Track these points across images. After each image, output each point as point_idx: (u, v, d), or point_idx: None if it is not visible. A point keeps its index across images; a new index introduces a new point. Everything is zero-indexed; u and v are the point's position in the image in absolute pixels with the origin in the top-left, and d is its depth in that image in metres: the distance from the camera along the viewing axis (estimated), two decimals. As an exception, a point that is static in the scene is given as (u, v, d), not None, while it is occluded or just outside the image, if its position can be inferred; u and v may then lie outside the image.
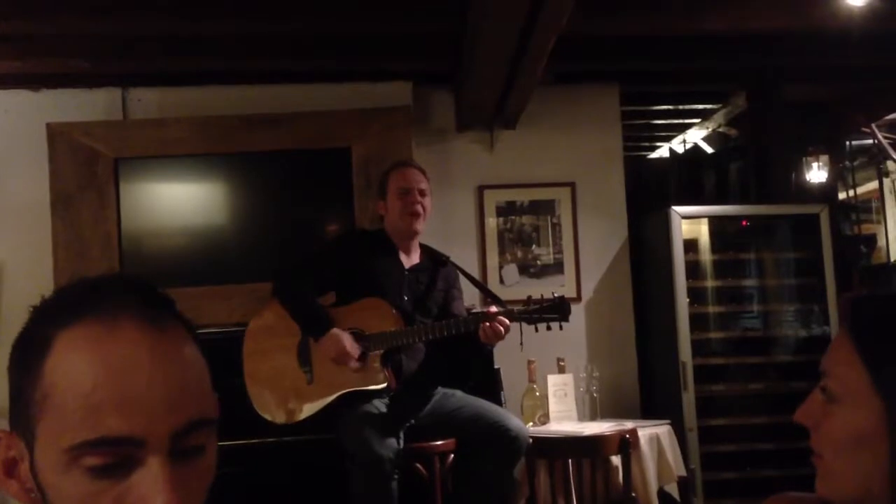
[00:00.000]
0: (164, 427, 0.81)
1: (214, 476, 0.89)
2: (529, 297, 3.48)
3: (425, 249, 3.75)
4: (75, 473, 0.80)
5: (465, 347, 3.53)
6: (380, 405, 3.38)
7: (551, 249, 5.05)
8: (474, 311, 4.01)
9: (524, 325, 3.40)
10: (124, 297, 0.86)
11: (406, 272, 3.62)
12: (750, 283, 5.17)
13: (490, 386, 4.15)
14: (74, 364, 0.81)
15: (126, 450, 0.80)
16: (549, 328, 3.40)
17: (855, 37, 4.05)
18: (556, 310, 3.40)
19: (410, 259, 3.67)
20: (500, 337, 3.34)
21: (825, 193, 6.39)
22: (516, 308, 3.41)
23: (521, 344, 3.45)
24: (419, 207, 3.59)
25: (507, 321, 3.33)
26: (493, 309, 3.38)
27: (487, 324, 3.31)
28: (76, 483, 0.80)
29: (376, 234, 3.70)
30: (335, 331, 3.39)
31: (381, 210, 3.71)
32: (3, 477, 0.86)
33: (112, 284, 0.88)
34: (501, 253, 5.02)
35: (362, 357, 3.42)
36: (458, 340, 3.42)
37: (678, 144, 6.84)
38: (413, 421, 3.48)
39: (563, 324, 3.41)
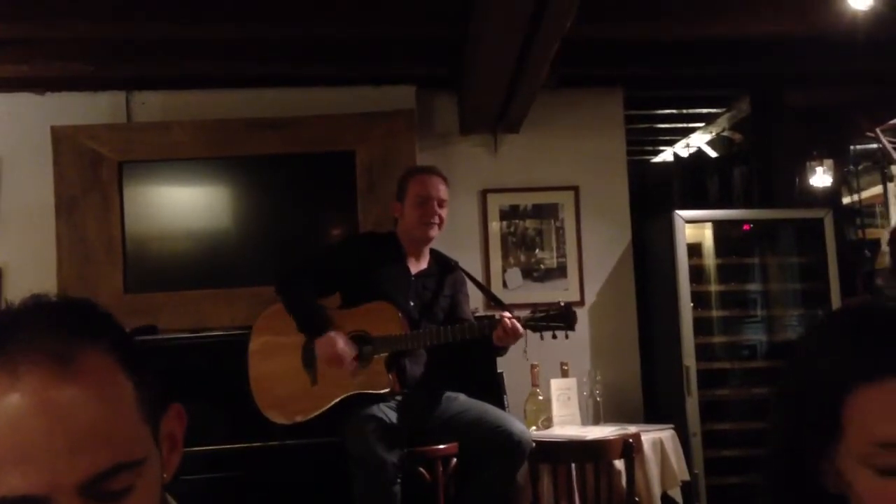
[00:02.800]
0: (70, 480, 0.75)
1: None
2: (536, 306, 3.49)
3: (434, 254, 3.74)
4: None
5: (473, 352, 3.53)
6: (384, 409, 3.37)
7: (555, 253, 5.05)
8: (478, 315, 4.01)
9: (529, 332, 3.41)
10: (30, 334, 0.79)
11: (413, 278, 3.62)
12: (753, 287, 5.17)
13: (493, 390, 4.14)
14: None
15: None
16: (554, 336, 3.41)
17: (859, 41, 4.04)
18: (563, 318, 3.40)
19: (418, 264, 3.66)
20: (517, 335, 3.34)
21: (829, 198, 6.38)
22: (522, 316, 3.41)
23: (525, 352, 3.46)
24: (436, 218, 3.57)
25: (518, 325, 3.34)
26: (506, 314, 3.38)
27: (508, 322, 3.31)
28: None
29: (385, 238, 3.69)
30: (331, 332, 3.39)
31: (396, 212, 3.69)
32: None
33: (19, 319, 0.81)
34: (505, 257, 5.02)
35: (362, 359, 3.42)
36: (467, 344, 3.43)
37: (682, 148, 6.83)
38: (417, 425, 3.48)
39: (569, 332, 3.43)
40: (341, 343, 3.38)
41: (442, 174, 3.72)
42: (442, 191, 3.62)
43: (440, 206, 3.59)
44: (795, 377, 1.05)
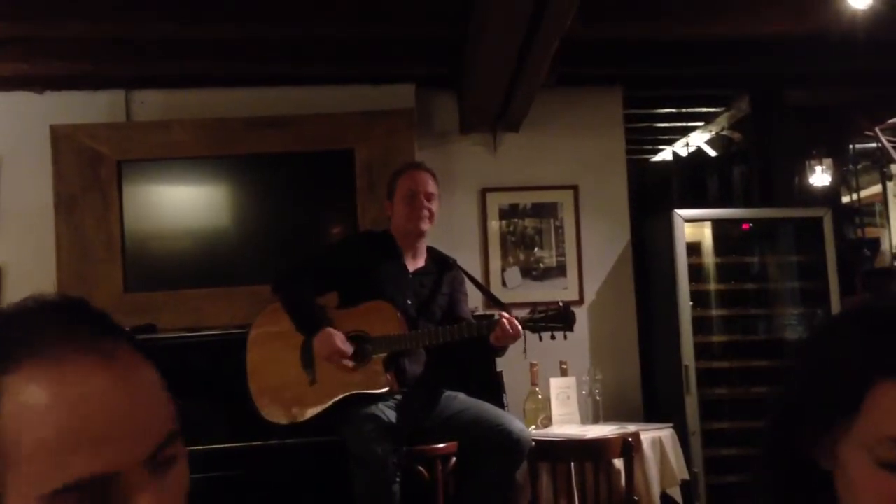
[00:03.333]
0: (138, 454, 0.80)
1: (190, 481, 0.87)
2: (535, 306, 3.49)
3: (431, 252, 3.74)
4: None
5: (472, 351, 3.53)
6: (383, 408, 3.37)
7: (554, 252, 5.05)
8: (477, 314, 4.01)
9: (528, 333, 3.41)
10: (70, 328, 0.83)
11: (410, 276, 3.62)
12: (753, 286, 5.17)
13: (492, 389, 4.14)
14: (35, 411, 0.79)
15: (102, 487, 0.78)
16: (553, 337, 3.41)
17: (858, 41, 4.05)
18: (561, 319, 3.40)
19: (416, 262, 3.66)
20: (516, 336, 3.34)
21: (828, 197, 6.38)
22: (521, 316, 3.41)
23: (525, 352, 3.46)
24: (425, 212, 3.59)
25: (518, 325, 3.34)
26: (505, 315, 3.38)
27: (507, 323, 3.32)
28: None
29: (382, 237, 3.70)
30: (327, 330, 3.39)
31: (388, 211, 3.72)
32: None
33: (53, 317, 0.84)
34: (504, 256, 5.02)
35: (360, 357, 3.42)
36: (466, 343, 3.43)
37: (681, 148, 6.83)
38: (416, 424, 3.48)
39: (568, 332, 3.43)
40: (338, 340, 3.38)
41: (429, 169, 3.75)
42: (430, 185, 3.64)
43: (428, 199, 3.61)
44: (821, 353, 1.08)
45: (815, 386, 1.05)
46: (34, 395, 0.79)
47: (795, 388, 1.09)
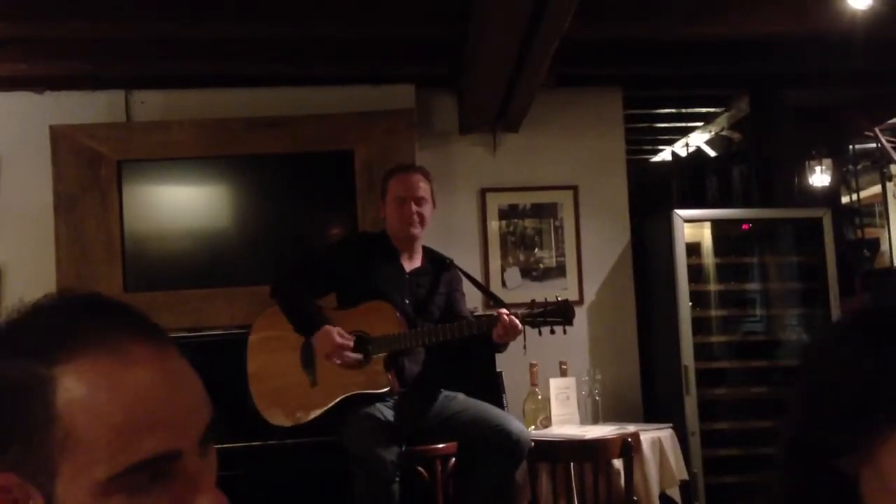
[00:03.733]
0: (195, 435, 0.86)
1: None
2: (533, 301, 3.49)
3: (428, 252, 3.75)
4: (115, 501, 0.81)
5: (472, 350, 3.53)
6: (383, 408, 3.38)
7: (554, 253, 5.05)
8: (476, 313, 4.01)
9: (528, 328, 3.41)
10: (115, 318, 0.88)
11: (407, 276, 3.62)
12: (752, 286, 5.17)
13: (492, 389, 4.15)
14: (94, 397, 0.82)
15: (164, 465, 0.82)
16: (552, 332, 3.41)
17: (858, 41, 4.05)
18: (560, 314, 3.41)
19: (412, 262, 3.67)
20: (517, 332, 3.35)
21: (828, 197, 6.39)
22: (520, 311, 3.41)
23: (525, 348, 3.46)
24: (415, 218, 3.58)
25: (517, 321, 3.35)
26: (504, 311, 3.39)
27: (507, 318, 3.32)
28: None
29: (378, 237, 3.70)
30: (325, 327, 3.39)
31: (382, 212, 3.73)
32: None
33: (94, 308, 0.89)
34: (504, 256, 5.02)
35: (362, 350, 3.42)
36: (467, 342, 3.43)
37: (681, 148, 6.84)
38: (415, 424, 3.49)
39: (566, 327, 3.43)
40: (336, 335, 3.38)
41: (423, 171, 3.74)
42: (421, 189, 3.62)
43: (419, 203, 3.60)
44: (845, 366, 1.07)
45: (847, 398, 1.05)
46: (93, 382, 0.82)
47: (822, 398, 1.09)
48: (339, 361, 3.40)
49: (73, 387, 0.82)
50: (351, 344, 3.40)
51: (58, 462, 0.82)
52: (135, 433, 0.82)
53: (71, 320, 0.86)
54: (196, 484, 0.84)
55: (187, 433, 0.85)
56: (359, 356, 3.41)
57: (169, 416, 0.84)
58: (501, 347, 3.54)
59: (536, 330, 3.44)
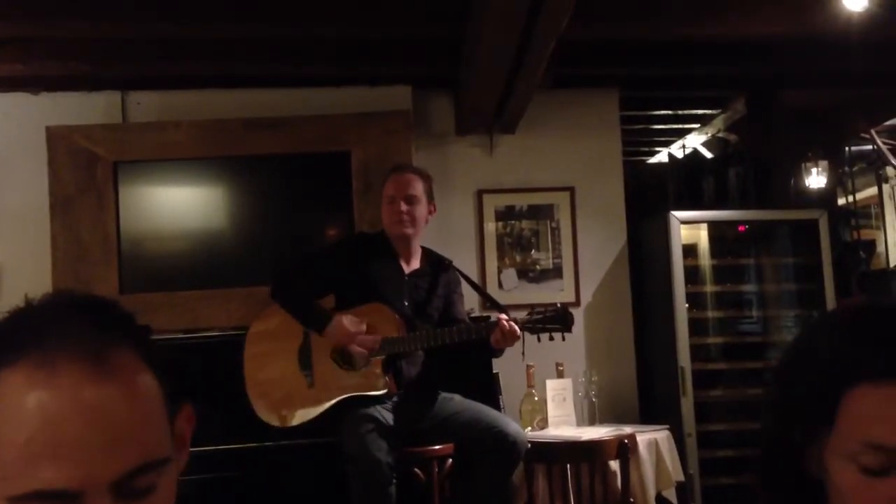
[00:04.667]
0: (103, 477, 0.78)
1: None
2: (532, 307, 3.49)
3: (427, 254, 3.74)
4: None
5: (470, 353, 3.53)
6: (380, 410, 3.37)
7: (550, 254, 5.05)
8: (473, 315, 4.01)
9: (526, 334, 3.41)
10: (64, 332, 0.81)
11: (406, 277, 3.62)
12: (749, 288, 5.18)
13: (489, 390, 4.14)
14: (12, 411, 0.78)
15: (64, 502, 0.77)
16: (551, 338, 3.41)
17: (854, 43, 4.06)
18: (559, 320, 3.42)
19: (411, 264, 3.66)
20: (515, 338, 3.35)
21: (824, 199, 6.38)
22: (519, 317, 3.41)
23: (523, 354, 3.47)
24: (404, 216, 3.57)
25: (516, 327, 3.35)
26: (504, 317, 3.39)
27: (506, 325, 3.32)
28: None
29: (377, 238, 3.70)
30: (336, 317, 3.40)
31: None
32: None
33: (51, 317, 0.83)
34: (500, 257, 5.02)
35: (362, 361, 3.42)
36: (464, 345, 3.43)
37: (677, 149, 6.83)
38: (412, 425, 3.48)
39: (566, 334, 3.44)
40: (348, 323, 3.38)
41: (419, 171, 3.73)
42: (412, 187, 3.61)
43: (409, 202, 3.58)
44: (796, 362, 1.07)
45: (795, 397, 1.04)
46: (18, 394, 0.78)
47: (780, 398, 1.09)
48: (359, 348, 3.39)
49: (4, 394, 0.79)
50: (364, 328, 3.39)
51: None
52: (35, 460, 0.77)
53: (26, 328, 0.82)
54: None
55: (94, 473, 0.77)
56: (377, 337, 3.40)
57: (73, 450, 0.77)
58: (498, 353, 3.54)
59: (535, 336, 3.44)
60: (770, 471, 1.10)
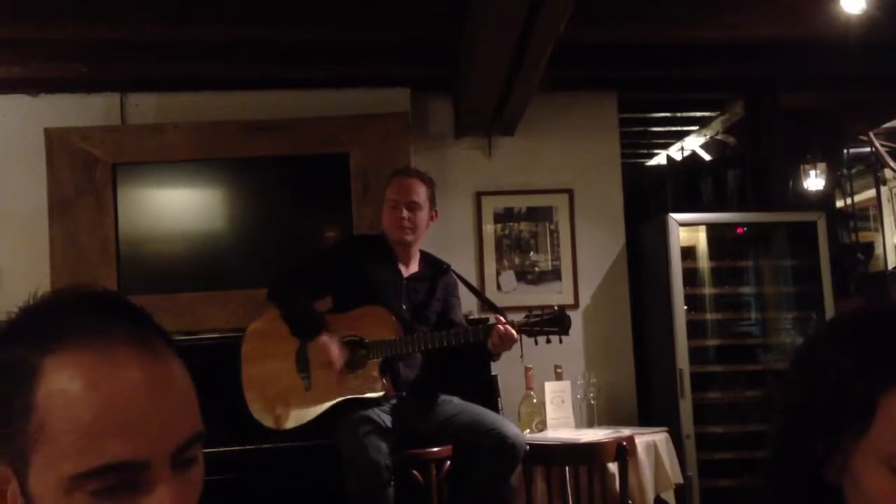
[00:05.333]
0: (167, 447, 0.83)
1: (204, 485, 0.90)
2: (530, 310, 3.48)
3: (425, 257, 3.74)
4: (78, 498, 0.80)
5: (468, 356, 3.53)
6: (378, 412, 3.37)
7: (549, 256, 5.05)
8: (471, 317, 4.01)
9: (524, 336, 3.41)
10: (112, 318, 0.86)
11: (404, 280, 3.62)
12: (747, 290, 5.18)
13: (487, 393, 4.14)
14: (71, 393, 0.81)
15: (130, 473, 0.81)
16: (548, 341, 3.41)
17: (852, 45, 4.06)
18: (557, 323, 3.41)
19: (409, 267, 3.66)
20: (512, 341, 3.34)
21: (823, 201, 6.40)
22: (517, 320, 3.41)
23: (522, 356, 3.46)
24: (405, 222, 3.57)
25: (512, 331, 3.34)
26: (501, 320, 3.38)
27: (502, 329, 3.32)
28: None
29: (376, 240, 3.69)
30: (323, 337, 3.39)
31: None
32: None
33: (96, 305, 0.88)
34: (499, 259, 5.02)
35: (355, 364, 3.42)
36: (462, 348, 3.43)
37: (676, 152, 6.84)
38: (410, 428, 3.48)
39: (563, 336, 3.43)
40: (334, 349, 3.38)
41: (422, 176, 3.70)
42: (415, 193, 3.60)
43: (410, 208, 3.57)
44: (816, 370, 1.07)
45: (823, 401, 1.04)
46: (74, 377, 0.82)
47: (801, 402, 1.08)
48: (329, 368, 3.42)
49: (53, 379, 0.82)
50: (343, 362, 3.40)
51: (31, 451, 0.82)
52: (102, 435, 0.80)
53: (69, 313, 0.86)
54: (161, 500, 0.82)
55: (159, 445, 0.83)
56: (343, 370, 3.42)
57: (140, 423, 0.82)
58: (496, 356, 3.54)
59: (532, 339, 3.44)
60: (782, 477, 1.09)
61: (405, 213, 3.55)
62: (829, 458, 1.02)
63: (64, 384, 0.82)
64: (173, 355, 0.89)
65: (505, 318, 3.40)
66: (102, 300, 0.88)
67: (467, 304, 4.10)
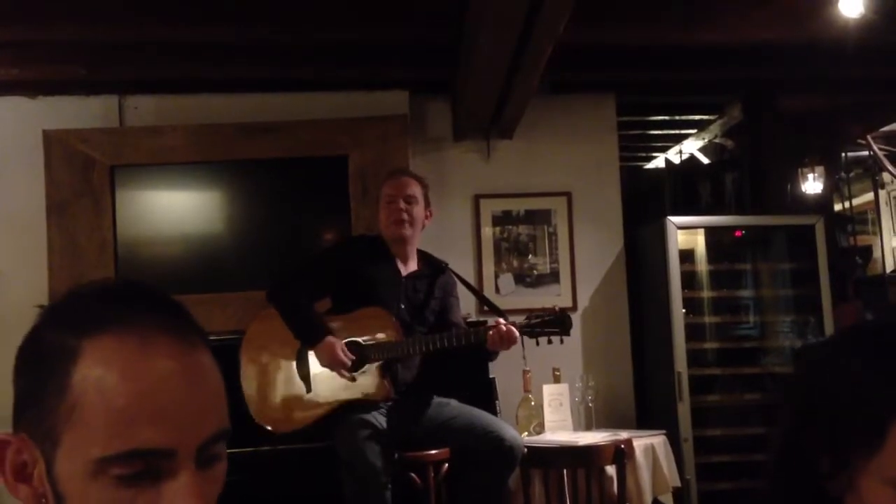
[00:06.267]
0: (195, 439, 0.85)
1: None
2: (531, 311, 3.49)
3: (423, 256, 3.74)
4: (103, 482, 0.81)
5: (466, 358, 3.53)
6: (376, 415, 3.37)
7: (547, 259, 5.05)
8: (470, 319, 4.00)
9: (525, 338, 3.41)
10: (152, 308, 0.88)
11: (403, 280, 3.62)
12: (745, 293, 5.18)
13: (485, 395, 4.14)
14: (107, 378, 0.83)
15: (156, 461, 0.82)
16: (549, 342, 3.41)
17: (850, 49, 4.07)
18: (558, 324, 3.41)
19: (408, 267, 3.66)
20: (513, 342, 3.34)
21: (821, 205, 6.39)
22: (518, 321, 3.41)
23: (524, 358, 3.47)
24: (403, 214, 3.58)
25: (515, 331, 3.34)
26: (501, 320, 3.38)
27: (504, 328, 3.32)
28: (103, 491, 0.82)
29: (374, 241, 3.69)
30: (328, 339, 3.39)
31: (379, 219, 3.73)
32: (13, 481, 0.87)
33: (137, 294, 0.90)
34: (497, 262, 5.02)
35: (358, 366, 3.42)
36: (461, 350, 3.43)
37: (674, 155, 6.85)
38: (408, 430, 3.48)
39: (564, 337, 3.43)
40: (339, 350, 3.38)
41: (414, 174, 3.76)
42: (410, 188, 3.63)
43: (408, 202, 3.60)
44: (831, 389, 1.06)
45: (836, 411, 1.04)
46: (111, 363, 0.83)
47: (813, 408, 1.07)
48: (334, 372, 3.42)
49: (90, 362, 0.83)
50: (349, 363, 3.39)
51: (61, 432, 0.83)
52: (134, 421, 0.81)
53: (110, 301, 0.88)
54: (184, 491, 0.83)
55: (187, 435, 0.84)
56: (352, 376, 3.41)
57: (171, 412, 0.83)
58: (493, 356, 3.54)
59: (533, 339, 3.43)
60: (784, 484, 1.09)
61: (402, 206, 3.57)
62: (835, 474, 1.03)
63: (101, 369, 0.83)
64: (207, 349, 0.90)
65: (505, 318, 3.40)
66: (142, 291, 0.90)
67: (466, 305, 4.10)
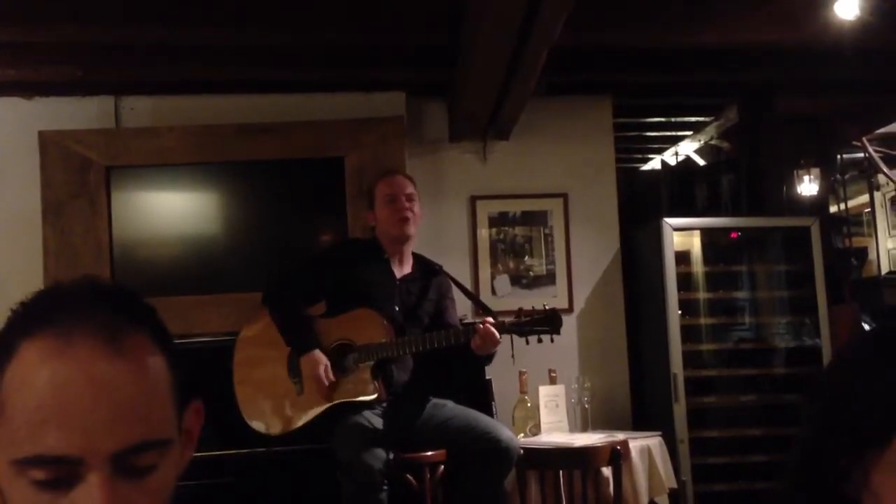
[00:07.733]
0: (104, 448, 0.81)
1: (171, 494, 0.89)
2: (521, 309, 3.48)
3: (418, 259, 3.74)
4: (22, 484, 0.82)
5: (459, 358, 3.53)
6: (371, 416, 3.37)
7: (544, 260, 5.05)
8: (466, 321, 4.00)
9: (515, 337, 3.40)
10: (86, 309, 0.86)
11: (398, 282, 3.62)
12: (741, 295, 5.18)
13: (481, 397, 4.14)
14: (27, 377, 0.83)
15: (65, 467, 0.81)
16: (540, 340, 3.40)
17: (846, 51, 4.07)
18: (548, 322, 3.40)
19: (402, 269, 3.66)
20: (494, 342, 3.33)
21: (816, 206, 6.41)
22: (507, 320, 3.41)
23: (513, 357, 3.46)
24: (408, 213, 3.58)
25: (493, 330, 3.33)
26: (489, 320, 3.38)
27: (482, 328, 3.32)
28: (22, 493, 0.82)
29: (369, 243, 3.70)
30: (315, 354, 3.40)
31: (371, 221, 3.72)
32: None
33: (77, 294, 0.88)
34: (494, 264, 5.02)
35: (347, 369, 3.42)
36: (453, 351, 3.42)
37: (670, 156, 6.85)
38: (404, 431, 3.48)
39: (555, 335, 3.42)
40: (321, 368, 3.38)
41: (405, 174, 3.80)
42: (408, 187, 3.66)
43: (409, 200, 3.61)
44: (855, 386, 1.07)
45: (845, 418, 1.05)
46: (35, 363, 0.83)
47: (823, 420, 1.09)
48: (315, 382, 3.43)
49: (20, 362, 0.84)
50: (327, 384, 3.39)
51: None
52: (42, 425, 0.81)
53: (57, 301, 0.87)
54: (92, 499, 0.81)
55: (96, 443, 0.81)
56: (337, 377, 3.42)
57: (78, 419, 0.81)
58: (486, 359, 3.53)
59: (524, 338, 3.43)
60: (805, 488, 1.09)
61: (406, 204, 3.57)
62: (850, 473, 1.03)
63: (25, 368, 0.83)
64: (151, 354, 0.87)
65: (496, 319, 3.40)
66: (87, 292, 0.88)
67: (463, 307, 4.10)
